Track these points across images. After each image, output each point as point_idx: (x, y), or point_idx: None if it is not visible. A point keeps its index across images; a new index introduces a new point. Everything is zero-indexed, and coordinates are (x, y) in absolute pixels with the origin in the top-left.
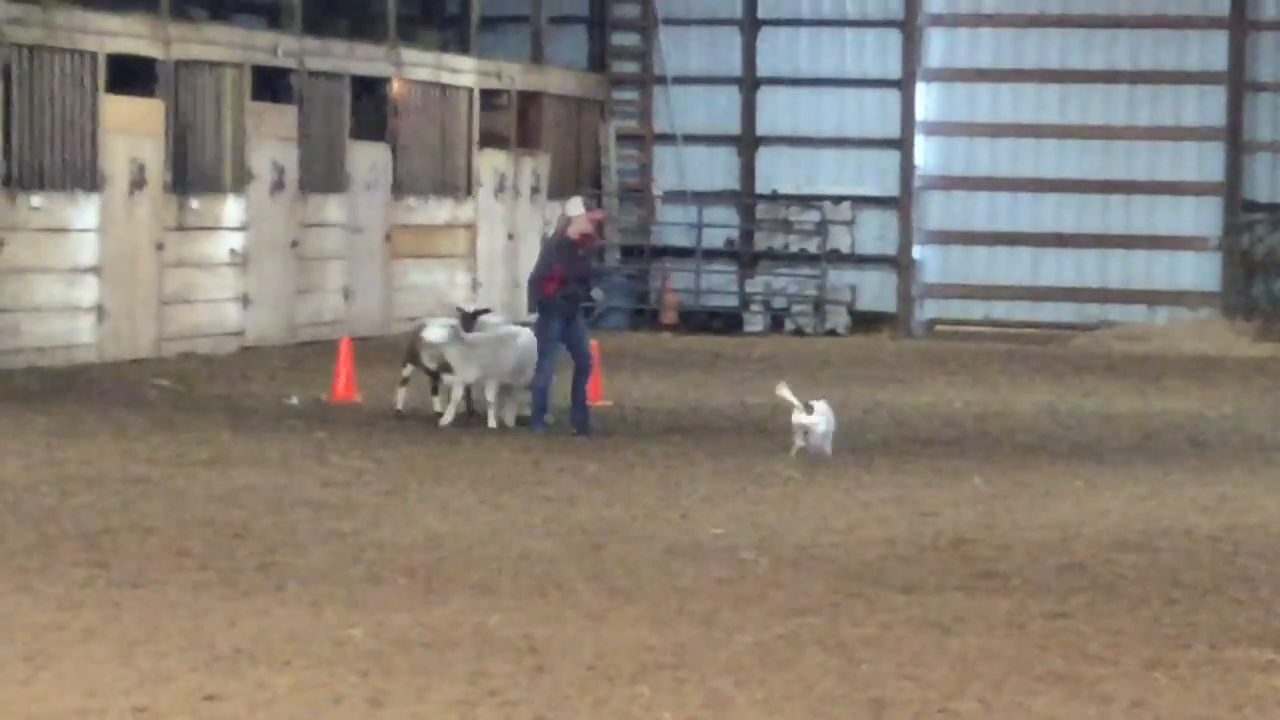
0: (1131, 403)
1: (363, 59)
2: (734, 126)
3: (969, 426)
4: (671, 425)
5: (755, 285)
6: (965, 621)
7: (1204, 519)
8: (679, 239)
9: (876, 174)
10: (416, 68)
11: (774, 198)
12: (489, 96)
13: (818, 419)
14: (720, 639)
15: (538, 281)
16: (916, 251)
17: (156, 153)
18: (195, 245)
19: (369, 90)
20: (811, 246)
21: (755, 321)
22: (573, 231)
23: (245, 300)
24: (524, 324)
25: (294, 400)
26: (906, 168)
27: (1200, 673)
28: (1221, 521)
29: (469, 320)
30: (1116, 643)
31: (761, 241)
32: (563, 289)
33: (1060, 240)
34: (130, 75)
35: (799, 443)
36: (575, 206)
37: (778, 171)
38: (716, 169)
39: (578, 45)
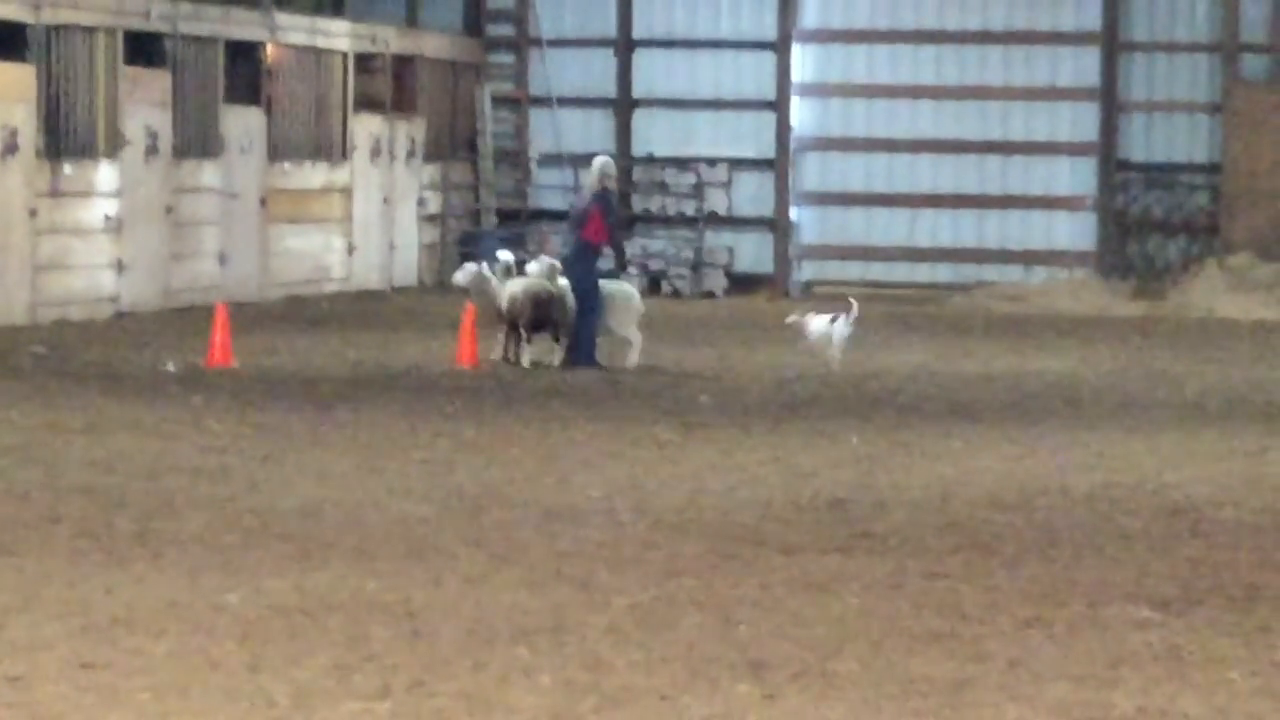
0: (1008, 362)
1: (237, 23)
2: (610, 89)
3: (846, 387)
4: (548, 389)
5: (632, 247)
6: (843, 582)
7: (1081, 478)
8: (555, 202)
9: (753, 136)
10: (291, 31)
11: (650, 160)
12: (364, 60)
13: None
14: (598, 601)
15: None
16: (793, 213)
17: (29, 118)
18: (69, 211)
19: (243, 54)
20: (688, 209)
21: (632, 284)
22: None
23: (120, 266)
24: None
25: (170, 366)
26: (783, 129)
27: (1077, 631)
28: (1098, 480)
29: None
30: (994, 601)
31: (638, 204)
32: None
33: (936, 201)
34: (1, 40)
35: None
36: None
37: (654, 134)
38: (592, 132)
39: (452, 9)
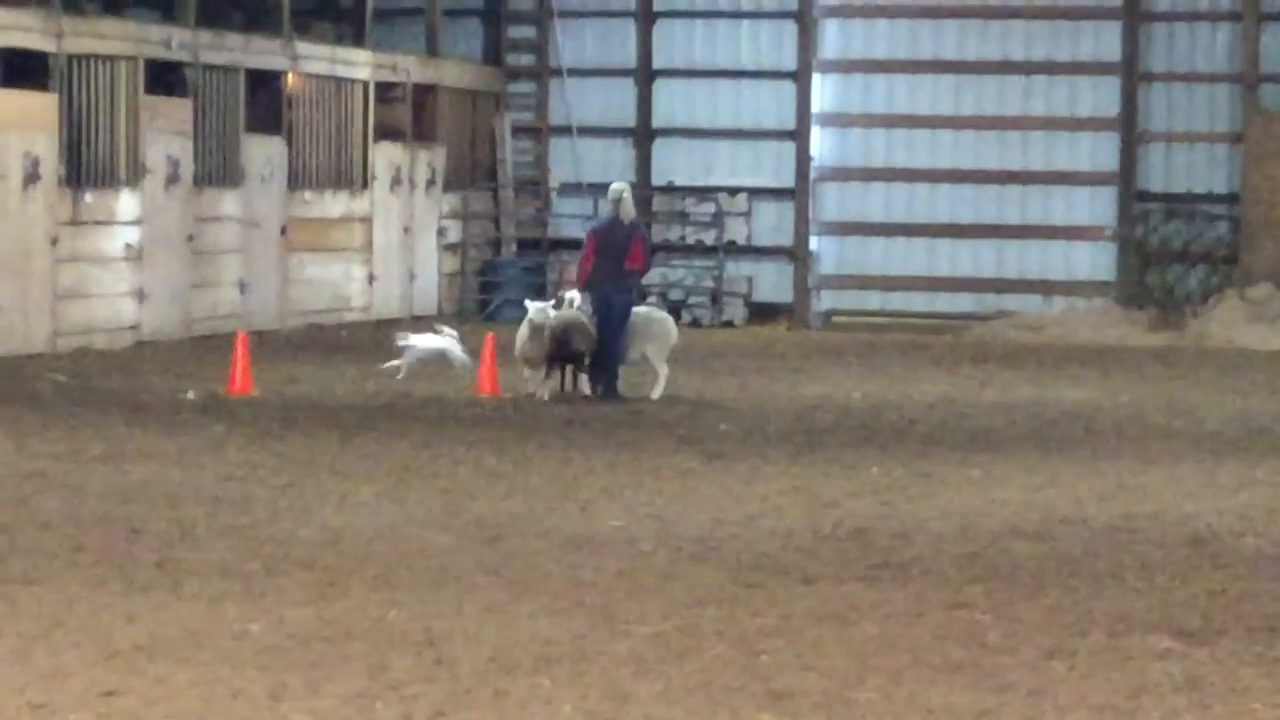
0: (1028, 392)
1: (257, 52)
2: (629, 118)
3: (866, 417)
4: (569, 418)
5: (651, 277)
6: (864, 611)
7: (1101, 507)
8: (575, 231)
9: (773, 165)
10: (311, 61)
11: (670, 189)
12: (384, 89)
13: None
14: (619, 631)
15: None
16: (813, 242)
17: (50, 147)
18: (90, 240)
19: (264, 83)
20: (708, 238)
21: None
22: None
23: (141, 295)
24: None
25: (190, 395)
26: (802, 159)
27: (1098, 661)
28: (1118, 510)
29: None
30: (1015, 632)
31: (658, 233)
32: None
33: (956, 231)
34: (23, 69)
35: None
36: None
37: (674, 163)
38: (612, 161)
39: (473, 38)
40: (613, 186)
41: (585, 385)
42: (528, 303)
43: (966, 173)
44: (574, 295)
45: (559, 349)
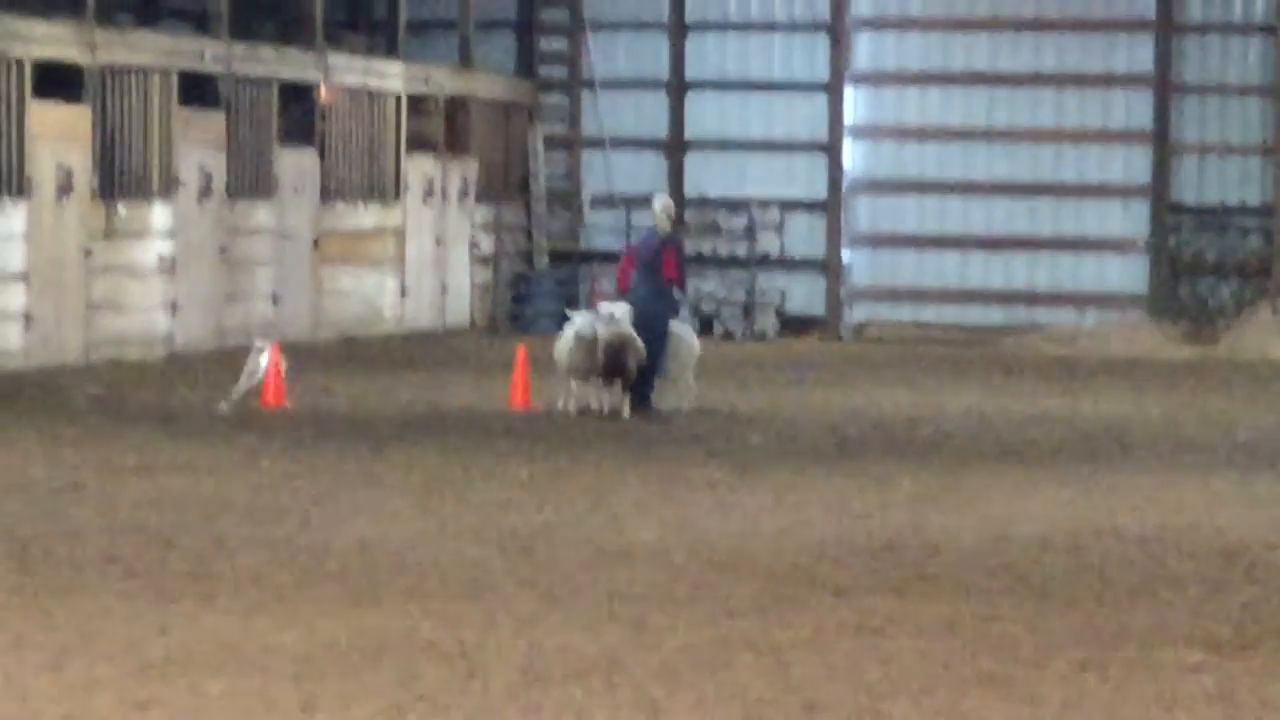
0: (1060, 405)
1: (290, 64)
2: (662, 131)
3: (898, 429)
4: (601, 429)
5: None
6: (896, 624)
7: (1133, 520)
8: (608, 243)
9: (805, 178)
10: (344, 73)
11: (702, 202)
12: (417, 101)
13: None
14: (651, 643)
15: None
16: (845, 255)
17: (84, 159)
18: (123, 251)
19: (297, 95)
20: (740, 250)
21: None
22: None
23: (173, 306)
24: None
25: (223, 407)
26: (835, 171)
27: (1131, 673)
28: (1150, 522)
29: None
30: (1047, 644)
31: (690, 246)
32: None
33: (988, 243)
34: (57, 81)
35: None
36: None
37: (706, 175)
38: (644, 173)
39: (506, 50)
40: (654, 199)
41: (626, 406)
42: (571, 314)
43: (999, 185)
44: (615, 308)
45: (611, 363)
